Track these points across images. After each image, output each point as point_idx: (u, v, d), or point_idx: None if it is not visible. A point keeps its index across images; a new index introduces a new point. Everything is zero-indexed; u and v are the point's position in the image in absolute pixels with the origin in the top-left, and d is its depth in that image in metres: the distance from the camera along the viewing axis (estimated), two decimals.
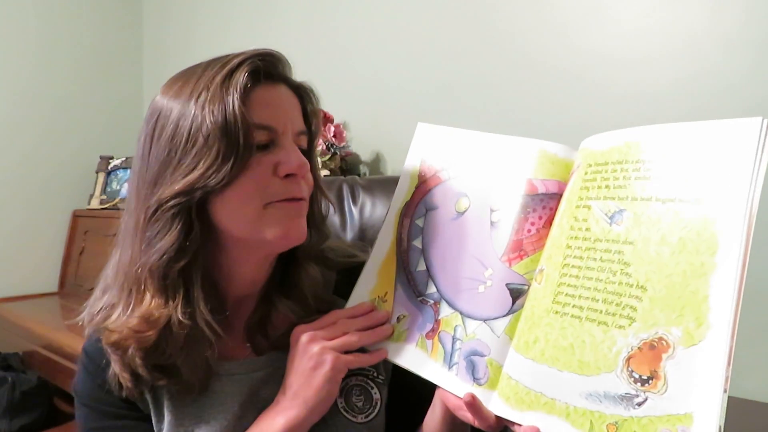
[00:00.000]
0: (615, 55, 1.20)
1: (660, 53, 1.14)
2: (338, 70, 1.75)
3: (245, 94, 0.57)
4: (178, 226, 0.58)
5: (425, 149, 0.69)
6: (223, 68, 0.58)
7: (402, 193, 0.69)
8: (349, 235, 1.10)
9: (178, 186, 0.57)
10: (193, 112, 0.57)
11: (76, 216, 2.26)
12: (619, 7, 1.19)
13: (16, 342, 1.87)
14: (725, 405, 0.41)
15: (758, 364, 1.03)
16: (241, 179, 0.57)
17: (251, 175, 0.58)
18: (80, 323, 0.65)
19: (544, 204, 0.57)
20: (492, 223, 0.59)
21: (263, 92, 0.59)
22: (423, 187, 0.67)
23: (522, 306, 0.55)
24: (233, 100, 0.56)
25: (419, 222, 0.66)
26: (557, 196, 0.57)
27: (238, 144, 0.56)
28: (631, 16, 1.18)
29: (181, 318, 0.58)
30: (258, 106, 0.58)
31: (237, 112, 0.56)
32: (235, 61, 0.58)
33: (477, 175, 0.63)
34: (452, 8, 1.47)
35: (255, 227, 0.60)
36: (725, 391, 0.41)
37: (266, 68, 0.60)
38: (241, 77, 0.57)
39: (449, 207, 0.64)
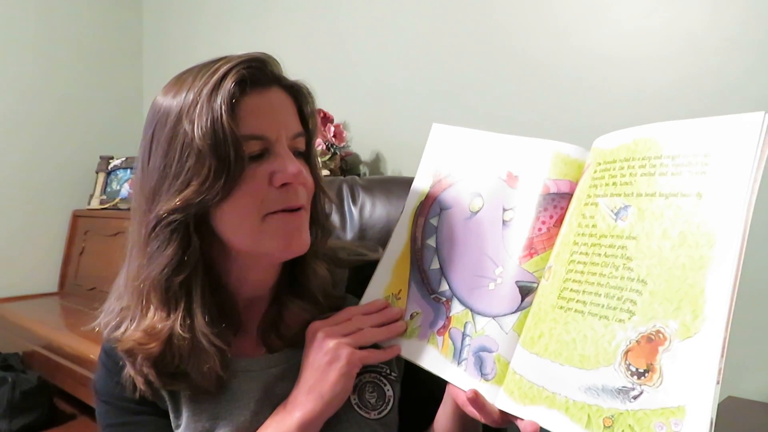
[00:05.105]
0: (615, 56, 1.20)
1: (660, 53, 1.14)
2: (338, 70, 1.75)
3: (233, 106, 0.56)
4: (177, 241, 0.58)
5: (440, 150, 0.70)
6: (210, 78, 0.57)
7: (417, 193, 0.70)
8: (349, 235, 1.09)
9: (173, 202, 0.57)
10: (184, 128, 0.56)
11: (76, 216, 2.25)
12: (620, 8, 1.20)
13: (16, 342, 1.87)
14: (717, 397, 0.40)
15: (758, 364, 1.03)
16: (236, 193, 0.57)
17: (246, 188, 0.58)
18: (96, 329, 0.66)
19: (556, 203, 0.57)
20: (504, 222, 0.60)
21: (252, 100, 0.58)
22: (438, 186, 0.68)
23: (531, 303, 0.56)
24: (221, 113, 0.55)
25: (433, 221, 0.67)
26: (568, 196, 0.57)
27: (228, 159, 0.56)
28: (631, 17, 1.18)
29: (180, 331, 0.59)
30: (247, 116, 0.57)
31: (225, 126, 0.55)
32: (222, 70, 0.57)
33: (490, 175, 0.63)
34: (452, 9, 1.47)
35: (255, 240, 0.60)
36: (718, 383, 0.40)
37: (253, 75, 0.58)
38: (227, 88, 0.56)
39: (463, 207, 0.65)
